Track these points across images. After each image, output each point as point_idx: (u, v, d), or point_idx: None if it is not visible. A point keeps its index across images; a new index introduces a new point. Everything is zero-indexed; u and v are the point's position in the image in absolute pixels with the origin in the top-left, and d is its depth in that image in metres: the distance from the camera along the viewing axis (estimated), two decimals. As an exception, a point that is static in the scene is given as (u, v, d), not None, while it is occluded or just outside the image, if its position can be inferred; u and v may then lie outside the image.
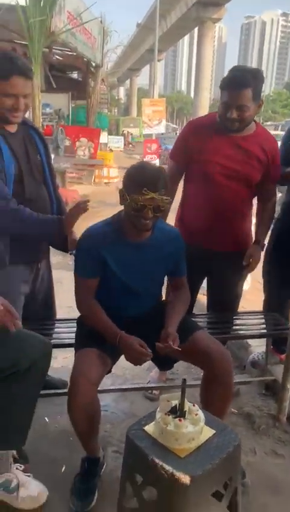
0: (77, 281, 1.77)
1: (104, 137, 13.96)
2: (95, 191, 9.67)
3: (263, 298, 2.61)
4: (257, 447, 2.00)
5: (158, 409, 1.40)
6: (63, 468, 1.83)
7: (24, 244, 1.81)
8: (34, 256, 1.94)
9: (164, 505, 1.28)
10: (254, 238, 2.24)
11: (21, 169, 1.81)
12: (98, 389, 1.64)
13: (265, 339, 2.44)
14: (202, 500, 1.26)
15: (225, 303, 2.36)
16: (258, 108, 2.02)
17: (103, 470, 1.80)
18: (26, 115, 1.93)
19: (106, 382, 2.43)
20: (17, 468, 1.66)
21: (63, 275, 4.19)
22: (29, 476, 1.68)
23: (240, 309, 2.50)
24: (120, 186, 1.70)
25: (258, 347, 2.70)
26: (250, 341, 2.83)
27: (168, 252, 1.80)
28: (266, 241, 2.32)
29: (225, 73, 2.08)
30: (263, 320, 2.42)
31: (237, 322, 2.36)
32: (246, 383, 2.48)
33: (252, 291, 4.23)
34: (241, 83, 1.92)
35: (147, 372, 2.56)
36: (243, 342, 2.89)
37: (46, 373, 1.70)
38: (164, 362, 1.91)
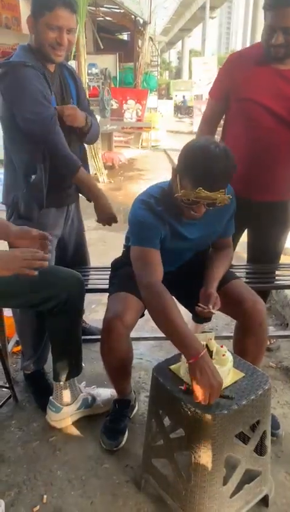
0: (138, 252, 1.51)
1: (153, 101, 13.59)
2: (142, 155, 9.55)
3: None
4: (294, 400, 1.92)
5: (184, 348, 1.35)
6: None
7: (54, 188, 1.78)
8: (64, 200, 1.92)
9: (187, 443, 1.25)
10: None
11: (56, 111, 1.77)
12: (134, 336, 1.60)
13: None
14: (225, 440, 1.22)
15: (264, 256, 2.21)
16: None
17: (134, 413, 1.82)
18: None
19: (143, 333, 2.43)
20: (85, 387, 1.87)
21: (105, 235, 4.22)
22: (94, 387, 1.90)
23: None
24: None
25: (303, 304, 2.58)
26: (294, 298, 2.71)
27: (222, 220, 1.67)
28: None
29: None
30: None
31: (278, 272, 2.23)
32: (288, 337, 2.37)
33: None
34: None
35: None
36: (287, 300, 2.77)
37: (82, 302, 1.74)
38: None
